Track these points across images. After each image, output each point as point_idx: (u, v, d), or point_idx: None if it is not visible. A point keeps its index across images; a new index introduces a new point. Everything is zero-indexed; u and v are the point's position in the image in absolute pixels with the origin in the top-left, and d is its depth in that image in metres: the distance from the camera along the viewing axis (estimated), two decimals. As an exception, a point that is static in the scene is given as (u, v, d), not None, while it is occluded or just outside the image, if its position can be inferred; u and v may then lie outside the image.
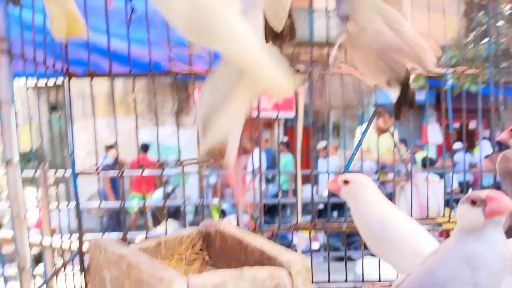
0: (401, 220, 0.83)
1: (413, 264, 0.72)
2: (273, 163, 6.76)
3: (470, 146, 7.35)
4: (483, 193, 0.65)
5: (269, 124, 7.32)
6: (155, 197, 4.68)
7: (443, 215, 1.86)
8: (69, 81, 1.02)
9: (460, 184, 4.39)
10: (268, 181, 5.39)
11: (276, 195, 4.90)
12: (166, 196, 4.88)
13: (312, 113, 1.03)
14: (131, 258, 0.58)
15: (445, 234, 1.04)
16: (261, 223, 0.94)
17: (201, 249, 0.77)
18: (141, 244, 0.72)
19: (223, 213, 4.33)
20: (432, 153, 6.09)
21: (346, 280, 0.99)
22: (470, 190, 4.55)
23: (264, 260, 0.63)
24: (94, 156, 1.25)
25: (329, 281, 0.93)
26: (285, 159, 5.59)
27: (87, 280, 0.72)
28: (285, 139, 6.14)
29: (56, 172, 1.30)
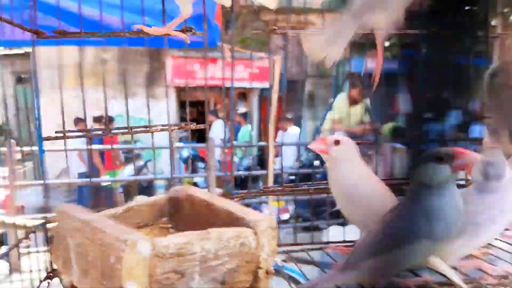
0: (378, 182, 0.84)
1: None
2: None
3: (440, 116, 7.54)
4: (448, 149, 0.65)
5: (244, 95, 7.30)
6: (126, 173, 4.61)
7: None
8: (36, 39, 0.95)
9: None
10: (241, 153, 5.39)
11: (247, 168, 4.93)
12: (137, 170, 4.83)
13: (288, 83, 1.02)
14: (96, 224, 0.57)
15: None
16: (230, 189, 0.95)
17: (170, 214, 0.77)
18: (108, 211, 0.72)
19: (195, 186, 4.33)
20: (403, 123, 6.22)
21: (312, 243, 1.01)
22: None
23: (232, 221, 0.63)
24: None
25: (295, 244, 0.95)
26: (243, 131, 5.50)
27: (51, 250, 0.70)
28: (243, 110, 6.09)
29: (22, 148, 1.23)
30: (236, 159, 4.97)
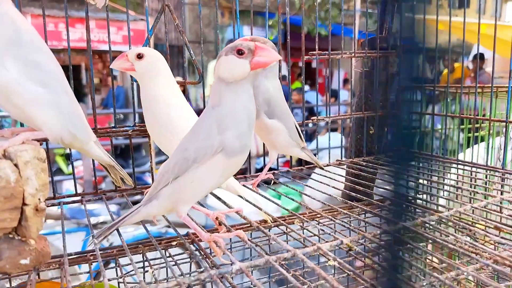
0: (184, 103, 0.80)
1: None
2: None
3: (312, 84, 8.06)
4: (250, 44, 0.61)
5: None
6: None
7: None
8: None
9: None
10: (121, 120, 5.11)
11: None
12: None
13: (167, 48, 0.92)
14: None
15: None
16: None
17: None
18: None
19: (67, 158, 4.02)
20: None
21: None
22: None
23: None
24: None
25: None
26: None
27: None
28: (117, 71, 5.83)
29: None
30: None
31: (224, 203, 0.82)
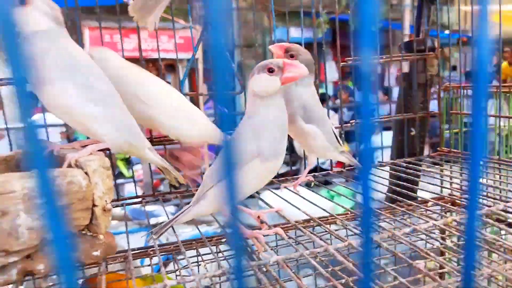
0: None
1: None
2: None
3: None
4: (279, 62, 0.69)
5: (172, 66, 7.14)
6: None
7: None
8: None
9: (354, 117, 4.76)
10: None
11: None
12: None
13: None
14: None
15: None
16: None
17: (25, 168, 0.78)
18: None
19: (128, 163, 4.26)
20: (330, 90, 6.47)
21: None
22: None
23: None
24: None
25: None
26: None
27: None
28: (169, 78, 6.03)
29: None
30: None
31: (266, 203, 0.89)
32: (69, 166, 0.64)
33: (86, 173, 0.62)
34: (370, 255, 0.27)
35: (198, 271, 0.86)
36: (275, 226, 0.94)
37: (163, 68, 1.09)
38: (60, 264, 0.23)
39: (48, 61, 0.67)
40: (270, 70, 0.68)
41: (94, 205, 0.63)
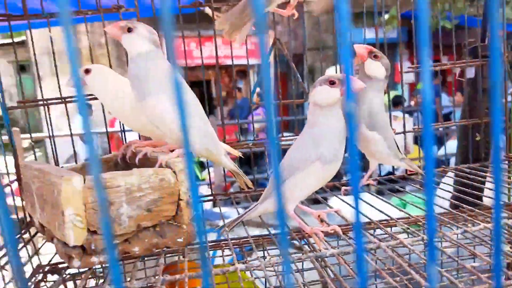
0: None
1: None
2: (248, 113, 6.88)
3: (443, 84, 7.46)
4: (340, 75, 0.77)
5: (243, 72, 7.39)
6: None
7: (412, 151, 1.89)
8: (9, 25, 1.01)
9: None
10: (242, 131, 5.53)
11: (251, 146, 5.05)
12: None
13: (287, 57, 1.09)
14: (46, 169, 0.73)
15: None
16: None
17: (122, 168, 0.93)
18: (67, 166, 0.87)
19: (202, 166, 4.50)
20: (405, 92, 6.24)
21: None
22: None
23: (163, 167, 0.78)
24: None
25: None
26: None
27: (22, 198, 0.87)
28: (241, 84, 6.18)
29: (31, 136, 1.20)
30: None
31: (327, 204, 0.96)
32: (160, 166, 0.77)
33: (174, 172, 0.75)
34: (434, 260, 0.28)
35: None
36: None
37: (235, 74, 1.20)
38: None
39: (148, 78, 0.81)
40: (332, 83, 0.76)
41: (179, 199, 0.76)
